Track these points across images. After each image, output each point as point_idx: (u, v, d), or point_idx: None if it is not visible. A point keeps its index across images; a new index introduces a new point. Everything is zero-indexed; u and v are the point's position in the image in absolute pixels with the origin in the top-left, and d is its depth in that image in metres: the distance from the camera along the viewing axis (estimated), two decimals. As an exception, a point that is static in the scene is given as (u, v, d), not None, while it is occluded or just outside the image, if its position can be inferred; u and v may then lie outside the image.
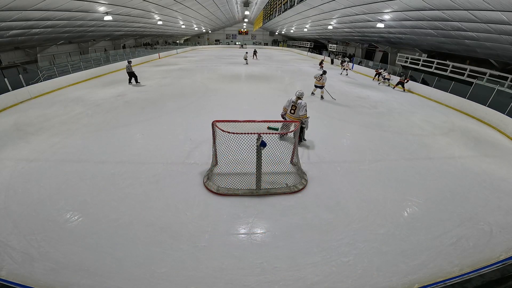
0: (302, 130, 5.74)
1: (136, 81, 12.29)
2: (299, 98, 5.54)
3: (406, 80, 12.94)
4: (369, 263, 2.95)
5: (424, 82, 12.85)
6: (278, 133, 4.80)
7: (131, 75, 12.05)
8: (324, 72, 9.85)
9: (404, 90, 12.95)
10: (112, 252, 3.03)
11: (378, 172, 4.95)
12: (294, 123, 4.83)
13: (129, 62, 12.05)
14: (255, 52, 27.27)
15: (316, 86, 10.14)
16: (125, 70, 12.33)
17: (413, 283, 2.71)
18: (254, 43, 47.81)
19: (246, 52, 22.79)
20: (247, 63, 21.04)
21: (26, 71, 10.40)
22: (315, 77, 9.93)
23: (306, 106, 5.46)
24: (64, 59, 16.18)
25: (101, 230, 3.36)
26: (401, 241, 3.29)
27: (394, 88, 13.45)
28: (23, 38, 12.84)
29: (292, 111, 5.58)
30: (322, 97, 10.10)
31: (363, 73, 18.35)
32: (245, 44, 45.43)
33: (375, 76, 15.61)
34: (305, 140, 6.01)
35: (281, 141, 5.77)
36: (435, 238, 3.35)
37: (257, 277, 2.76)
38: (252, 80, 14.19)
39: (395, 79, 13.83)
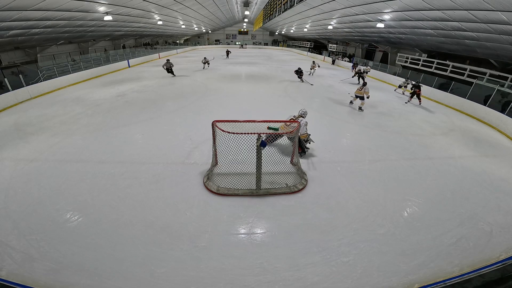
0: (301, 141, 5.40)
1: (172, 73, 14.61)
2: (301, 116, 5.44)
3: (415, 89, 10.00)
4: (369, 263, 2.95)
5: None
6: (278, 133, 4.80)
7: (168, 71, 14.57)
8: (365, 84, 9.03)
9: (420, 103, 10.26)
10: (112, 252, 3.03)
11: (378, 172, 4.95)
12: (293, 124, 4.82)
13: (168, 61, 14.65)
14: (228, 52, 26.43)
15: (356, 96, 9.16)
16: (125, 68, 12.42)
17: (413, 283, 2.71)
18: (254, 43, 47.77)
19: (205, 57, 18.33)
20: (204, 68, 17.77)
21: (23, 73, 10.24)
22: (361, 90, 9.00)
23: (306, 125, 5.34)
24: (64, 59, 16.16)
25: (101, 230, 3.36)
26: (401, 241, 3.29)
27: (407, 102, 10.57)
28: (23, 38, 12.83)
29: (288, 123, 5.34)
30: (360, 109, 9.01)
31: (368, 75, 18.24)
32: (246, 44, 45.39)
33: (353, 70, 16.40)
34: (308, 149, 5.59)
35: (281, 142, 5.76)
36: (435, 238, 3.35)
37: (257, 277, 2.76)
38: (252, 80, 14.19)
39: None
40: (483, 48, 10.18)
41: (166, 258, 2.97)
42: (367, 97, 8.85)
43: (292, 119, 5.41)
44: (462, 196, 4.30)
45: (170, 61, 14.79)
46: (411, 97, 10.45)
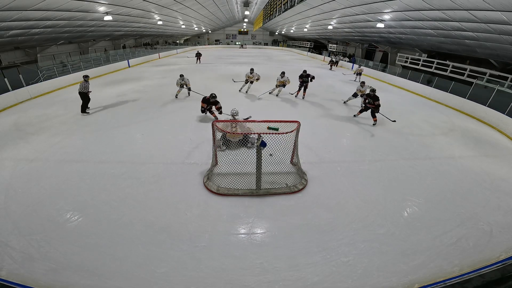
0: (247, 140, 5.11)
1: (84, 109, 7.75)
2: (233, 115, 5.75)
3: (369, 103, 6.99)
4: (369, 263, 2.95)
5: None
6: (278, 133, 4.79)
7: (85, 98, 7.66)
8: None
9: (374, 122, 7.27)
10: (112, 252, 3.03)
11: (378, 172, 4.95)
12: (292, 123, 4.81)
13: (85, 80, 7.57)
14: (198, 55, 20.78)
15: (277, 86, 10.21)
16: (125, 68, 11.83)
17: (413, 283, 2.71)
18: (254, 43, 47.75)
19: (182, 76, 9.56)
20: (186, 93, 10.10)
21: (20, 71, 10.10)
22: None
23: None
24: (64, 59, 16.16)
25: (101, 230, 3.36)
26: (401, 241, 3.29)
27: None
28: (23, 38, 12.83)
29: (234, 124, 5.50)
30: (277, 95, 10.56)
31: (367, 74, 18.28)
32: (245, 44, 45.35)
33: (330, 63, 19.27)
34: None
35: (280, 142, 5.74)
36: (435, 238, 3.35)
37: (257, 277, 2.76)
38: (252, 80, 14.15)
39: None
40: (483, 48, 10.18)
41: (166, 258, 2.97)
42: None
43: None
44: (462, 196, 4.30)
45: (86, 84, 7.52)
46: (361, 111, 7.24)
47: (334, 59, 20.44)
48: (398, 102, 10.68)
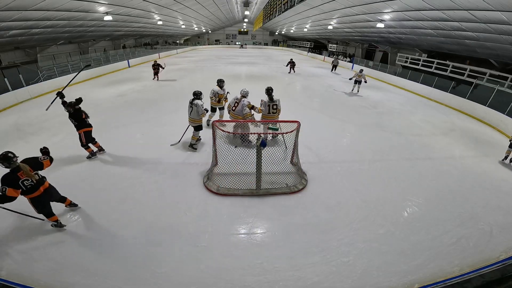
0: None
1: None
2: (243, 96, 5.63)
3: None
4: (369, 263, 2.95)
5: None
6: (278, 133, 4.79)
7: None
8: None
9: None
10: (112, 252, 3.03)
11: (378, 172, 4.95)
12: (292, 123, 4.82)
13: None
14: (157, 67, 13.00)
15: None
16: (125, 68, 11.46)
17: (413, 283, 2.71)
18: (254, 43, 47.72)
19: (220, 81, 6.54)
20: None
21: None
22: None
23: (246, 105, 5.43)
24: (64, 59, 16.16)
25: (101, 230, 3.36)
26: (401, 241, 3.29)
27: None
28: (23, 38, 12.83)
29: (233, 108, 5.64)
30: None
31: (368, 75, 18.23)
32: (245, 44, 45.34)
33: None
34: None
35: (277, 141, 5.73)
36: (435, 238, 3.35)
37: (257, 277, 2.76)
38: (252, 80, 14.18)
39: None
40: (483, 48, 10.18)
41: (166, 258, 2.97)
42: None
43: (236, 102, 5.61)
44: (462, 196, 4.30)
45: None
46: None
47: (334, 62, 18.43)
48: (398, 102, 10.68)
